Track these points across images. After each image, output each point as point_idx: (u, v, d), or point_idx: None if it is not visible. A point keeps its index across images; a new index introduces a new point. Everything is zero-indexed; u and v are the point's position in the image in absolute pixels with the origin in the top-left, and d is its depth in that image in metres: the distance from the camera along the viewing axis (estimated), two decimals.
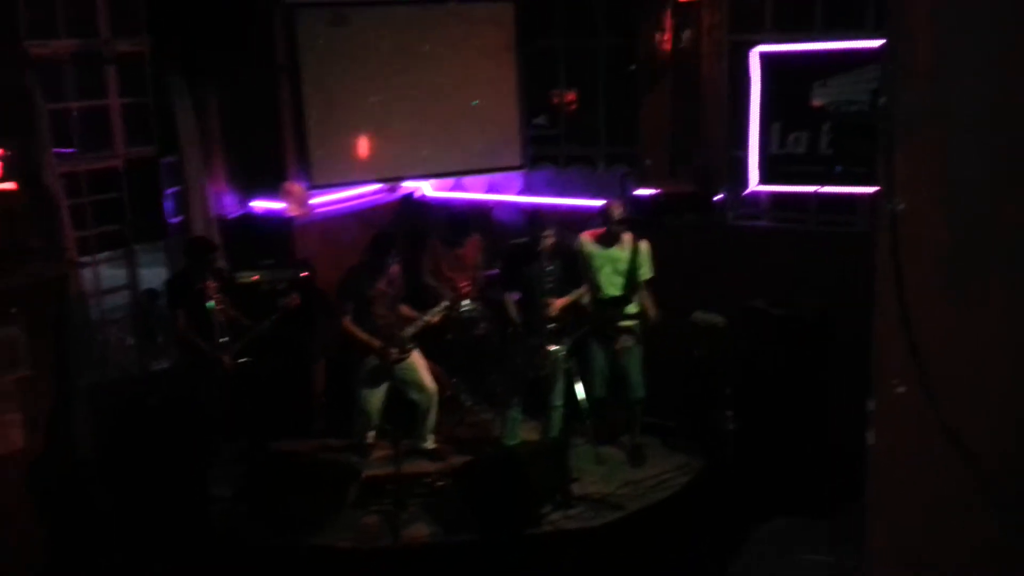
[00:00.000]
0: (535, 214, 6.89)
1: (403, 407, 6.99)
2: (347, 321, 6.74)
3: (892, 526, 3.06)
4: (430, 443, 7.06)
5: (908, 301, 2.83)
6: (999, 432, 2.82)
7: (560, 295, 6.60)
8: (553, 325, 6.57)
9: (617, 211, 6.74)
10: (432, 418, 7.02)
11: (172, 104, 7.27)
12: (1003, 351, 2.77)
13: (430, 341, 7.14)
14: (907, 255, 2.82)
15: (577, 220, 7.32)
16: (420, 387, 6.90)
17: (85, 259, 6.84)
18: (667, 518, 6.33)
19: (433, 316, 6.91)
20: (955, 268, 2.80)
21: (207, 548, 6.06)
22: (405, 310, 6.93)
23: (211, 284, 6.47)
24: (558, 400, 6.78)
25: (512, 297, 6.77)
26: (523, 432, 7.02)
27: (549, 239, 6.53)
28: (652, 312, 6.74)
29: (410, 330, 6.82)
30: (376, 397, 6.89)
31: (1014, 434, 2.81)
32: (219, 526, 6.25)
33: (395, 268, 6.84)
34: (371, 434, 7.05)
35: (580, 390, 6.64)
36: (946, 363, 2.85)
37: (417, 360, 6.91)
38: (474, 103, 8.19)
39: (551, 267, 6.54)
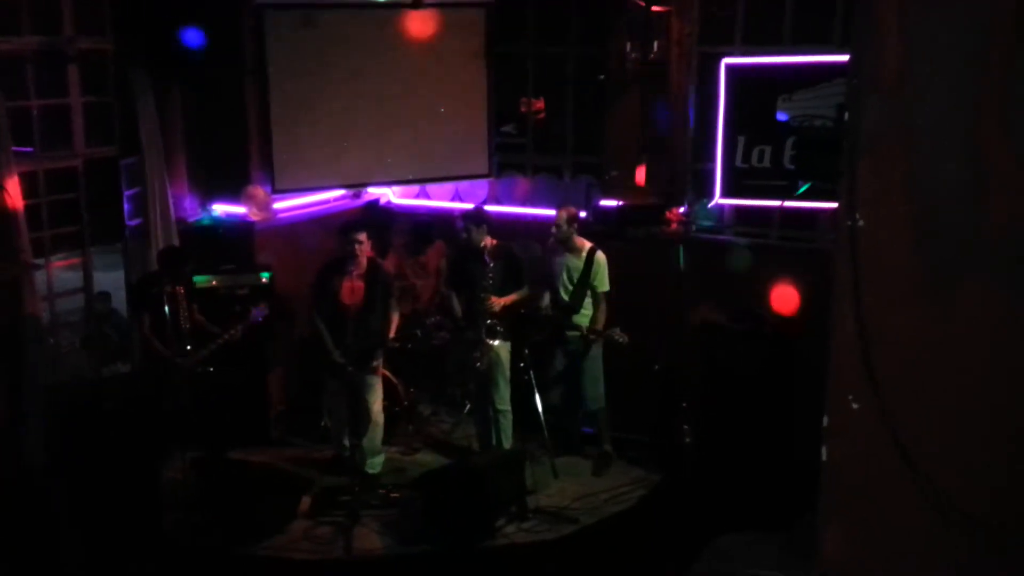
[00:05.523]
0: (477, 214, 6.84)
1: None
2: (313, 314, 6.64)
3: (844, 539, 3.05)
4: (374, 467, 6.81)
5: (865, 316, 2.81)
6: (954, 446, 2.81)
7: (500, 295, 6.62)
8: (491, 321, 6.60)
9: (563, 216, 6.76)
10: (374, 442, 6.76)
11: (135, 104, 7.18)
12: (962, 365, 2.76)
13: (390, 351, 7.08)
14: (867, 269, 2.80)
15: (541, 229, 7.31)
16: (361, 407, 6.68)
17: (39, 261, 6.73)
18: (622, 532, 6.31)
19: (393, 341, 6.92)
20: (917, 282, 2.78)
21: (159, 556, 5.96)
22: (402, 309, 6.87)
23: (179, 290, 6.38)
24: (503, 404, 6.76)
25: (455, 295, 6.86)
26: (465, 439, 7.07)
27: (483, 237, 6.59)
28: (601, 325, 6.72)
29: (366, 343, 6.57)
30: (334, 400, 6.79)
31: (969, 449, 2.79)
32: (172, 534, 6.15)
33: (391, 260, 6.75)
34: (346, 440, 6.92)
35: (538, 400, 6.62)
36: (902, 378, 2.83)
37: (369, 380, 6.66)
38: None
39: (492, 265, 6.57)
